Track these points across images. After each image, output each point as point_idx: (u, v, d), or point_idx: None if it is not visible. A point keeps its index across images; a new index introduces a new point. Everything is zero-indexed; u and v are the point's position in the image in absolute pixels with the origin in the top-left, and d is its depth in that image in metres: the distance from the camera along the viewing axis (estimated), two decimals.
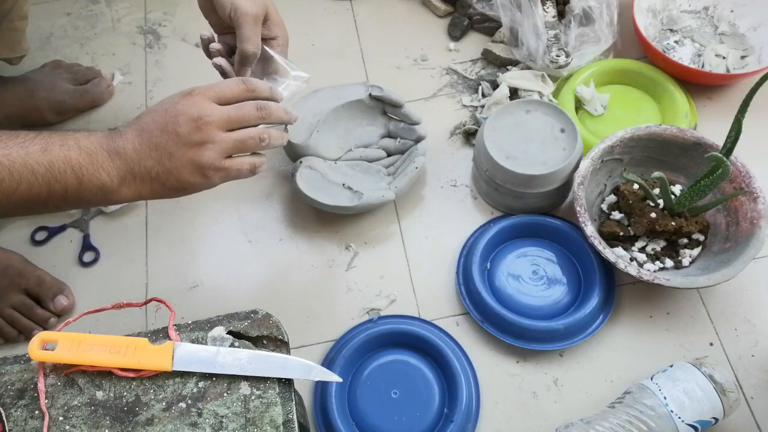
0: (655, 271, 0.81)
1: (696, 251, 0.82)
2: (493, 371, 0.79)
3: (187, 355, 0.57)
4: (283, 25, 0.74)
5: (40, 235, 0.91)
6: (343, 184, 0.87)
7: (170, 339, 0.58)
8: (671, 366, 0.74)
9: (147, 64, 1.06)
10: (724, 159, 0.71)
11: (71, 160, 0.57)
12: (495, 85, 0.99)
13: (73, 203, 0.60)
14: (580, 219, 0.79)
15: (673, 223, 0.79)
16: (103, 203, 0.62)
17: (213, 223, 0.92)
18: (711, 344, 0.80)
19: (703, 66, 0.98)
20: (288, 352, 0.60)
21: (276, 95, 0.67)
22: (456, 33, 1.05)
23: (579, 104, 0.96)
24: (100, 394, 0.56)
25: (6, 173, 0.55)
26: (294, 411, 0.56)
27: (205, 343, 0.58)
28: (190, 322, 0.61)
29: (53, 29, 1.11)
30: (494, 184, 0.85)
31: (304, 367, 0.58)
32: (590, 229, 0.78)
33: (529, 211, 0.87)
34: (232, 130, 0.62)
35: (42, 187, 0.57)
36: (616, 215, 0.84)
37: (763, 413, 0.76)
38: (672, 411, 0.69)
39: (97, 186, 0.59)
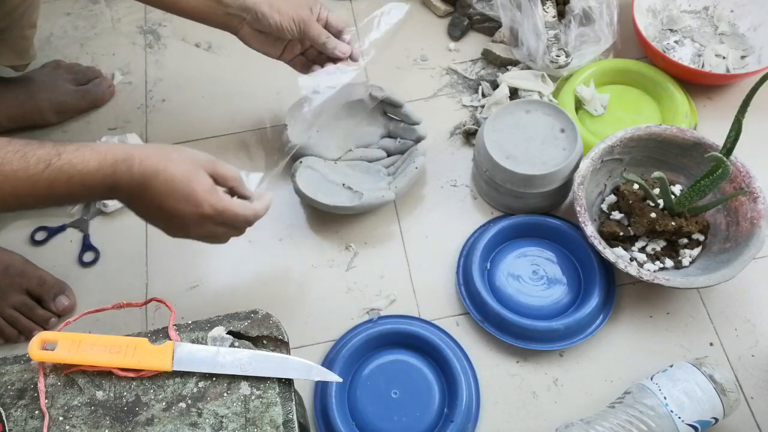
0: (655, 271, 0.81)
1: (696, 251, 0.82)
2: (493, 371, 0.79)
3: (187, 355, 0.57)
4: (338, 18, 0.84)
5: (40, 235, 0.91)
6: (343, 184, 0.87)
7: (170, 339, 0.58)
8: (671, 366, 0.74)
9: (147, 64, 1.06)
10: (724, 159, 0.71)
11: (73, 194, 0.61)
12: (495, 85, 0.99)
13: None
14: (580, 219, 0.79)
15: (673, 223, 0.79)
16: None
17: None
18: (711, 344, 0.80)
19: (703, 66, 0.98)
20: (288, 352, 0.60)
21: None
22: (456, 33, 1.05)
23: (579, 104, 0.96)
24: (100, 394, 0.56)
25: (9, 196, 0.59)
26: (294, 411, 0.56)
27: (205, 343, 0.58)
28: (190, 322, 0.61)
29: (53, 29, 1.11)
30: (494, 184, 0.85)
31: (304, 367, 0.58)
32: (590, 229, 0.78)
33: (529, 211, 0.87)
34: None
35: (40, 204, 0.62)
36: (616, 215, 0.84)
37: (763, 413, 0.76)
38: (672, 411, 0.69)
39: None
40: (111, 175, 0.61)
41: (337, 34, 0.83)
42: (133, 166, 0.62)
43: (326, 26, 0.83)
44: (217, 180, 0.66)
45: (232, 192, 0.68)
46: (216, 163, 0.67)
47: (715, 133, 0.82)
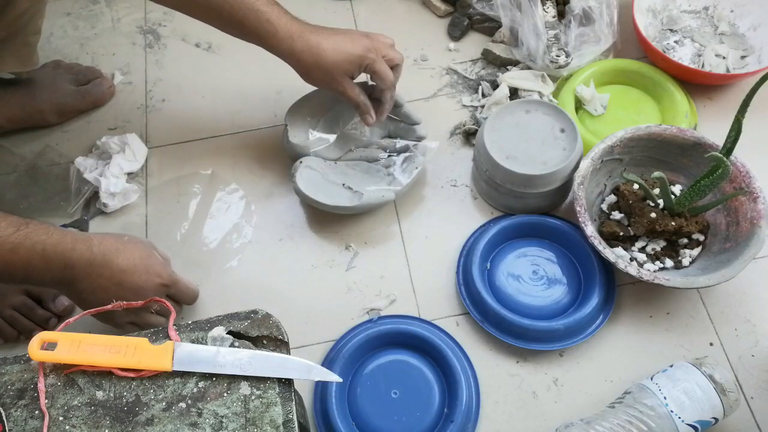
0: (655, 271, 0.81)
1: (696, 251, 0.82)
2: (493, 371, 0.79)
3: (187, 355, 0.57)
4: (386, 75, 0.83)
5: None
6: (343, 184, 0.87)
7: (170, 339, 0.58)
8: (671, 366, 0.74)
9: (147, 64, 1.06)
10: (724, 159, 0.71)
11: (29, 265, 0.64)
12: (495, 85, 0.99)
13: None
14: (580, 219, 0.79)
15: (673, 223, 0.79)
16: None
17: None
18: (711, 344, 0.80)
19: (703, 66, 0.98)
20: (288, 352, 0.60)
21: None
22: (456, 33, 1.05)
23: (579, 104, 0.96)
24: (100, 394, 0.56)
25: None
26: (294, 411, 0.56)
27: (205, 343, 0.58)
28: (190, 322, 0.61)
29: (53, 29, 1.11)
30: (494, 184, 0.85)
31: (304, 367, 0.58)
32: (590, 229, 0.78)
33: (529, 211, 0.87)
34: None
35: None
36: (616, 215, 0.84)
37: (763, 413, 0.76)
38: (672, 411, 0.69)
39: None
40: (70, 251, 0.66)
41: (379, 92, 0.85)
42: (92, 246, 0.68)
43: (373, 76, 0.82)
44: None
45: None
46: (154, 246, 0.78)
47: (715, 133, 0.82)
